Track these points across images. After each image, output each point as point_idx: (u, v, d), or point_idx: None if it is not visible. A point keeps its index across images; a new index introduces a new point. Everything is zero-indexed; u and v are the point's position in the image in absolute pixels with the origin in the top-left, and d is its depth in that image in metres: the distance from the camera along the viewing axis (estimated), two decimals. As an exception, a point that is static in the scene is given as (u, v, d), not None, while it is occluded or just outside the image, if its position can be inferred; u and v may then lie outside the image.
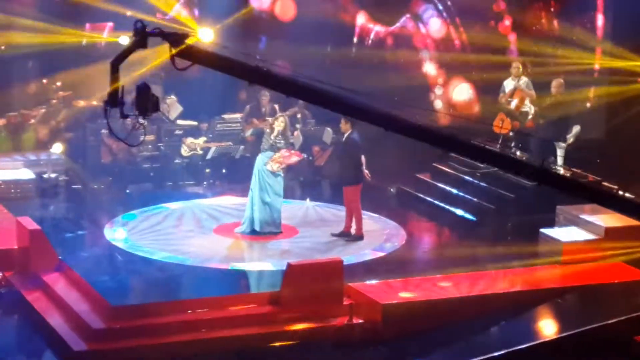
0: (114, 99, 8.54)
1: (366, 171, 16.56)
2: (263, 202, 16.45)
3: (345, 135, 16.65)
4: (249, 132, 20.12)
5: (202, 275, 14.86)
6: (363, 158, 16.55)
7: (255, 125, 20.18)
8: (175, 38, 8.30)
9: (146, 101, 8.50)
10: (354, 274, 14.43)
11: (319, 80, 8.53)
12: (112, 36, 21.79)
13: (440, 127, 8.71)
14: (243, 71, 8.40)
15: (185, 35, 8.30)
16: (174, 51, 8.42)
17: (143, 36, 8.34)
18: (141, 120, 8.70)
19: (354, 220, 16.71)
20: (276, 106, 20.17)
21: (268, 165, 16.42)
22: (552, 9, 20.43)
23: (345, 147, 16.83)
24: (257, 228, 16.49)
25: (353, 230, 16.70)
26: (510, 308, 13.76)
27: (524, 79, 18.72)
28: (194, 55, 8.36)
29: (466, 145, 8.99)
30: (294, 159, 16.84)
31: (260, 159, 16.57)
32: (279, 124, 16.51)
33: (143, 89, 8.50)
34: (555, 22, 20.36)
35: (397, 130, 8.57)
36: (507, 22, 21.03)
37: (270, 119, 17.73)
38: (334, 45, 22.35)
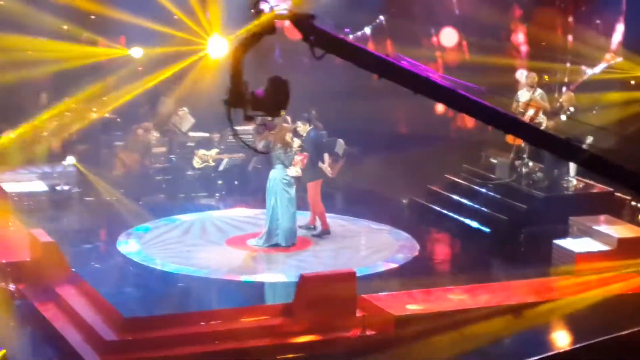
0: (238, 97, 7.23)
1: (327, 168, 17.41)
2: (289, 214, 16.47)
3: (304, 135, 17.36)
4: (261, 144, 20.09)
5: (214, 287, 14.88)
6: (326, 156, 17.68)
7: (267, 137, 20.16)
8: (306, 22, 7.12)
9: (281, 97, 7.22)
10: (366, 286, 14.41)
11: (453, 80, 7.88)
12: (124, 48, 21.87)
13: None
14: (374, 63, 7.30)
15: (312, 17, 7.10)
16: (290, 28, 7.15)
17: (270, 18, 7.15)
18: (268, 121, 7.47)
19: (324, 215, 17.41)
20: (288, 117, 20.15)
21: (291, 171, 16.49)
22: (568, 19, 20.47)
23: (304, 147, 17.42)
24: (282, 243, 16.51)
25: (319, 225, 17.34)
26: (523, 319, 13.73)
27: (539, 91, 18.69)
28: (327, 42, 7.15)
29: (525, 126, 8.49)
30: (306, 160, 17.30)
31: (276, 173, 16.57)
32: (295, 140, 16.67)
33: (279, 83, 7.22)
34: (569, 36, 20.38)
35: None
36: (521, 34, 21.05)
37: (273, 135, 17.55)
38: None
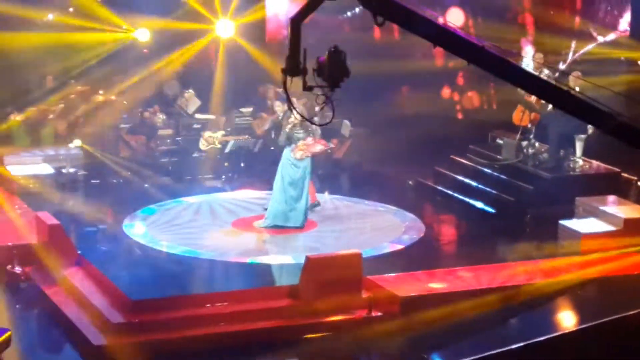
0: (295, 66, 7.04)
1: (311, 147, 17.15)
2: (282, 196, 16.43)
3: (281, 115, 17.55)
4: (265, 126, 20.05)
5: (220, 269, 14.89)
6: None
7: (265, 118, 20.17)
8: None
9: (339, 69, 7.04)
10: (372, 267, 14.41)
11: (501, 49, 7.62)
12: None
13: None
14: (434, 32, 7.12)
15: None
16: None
17: None
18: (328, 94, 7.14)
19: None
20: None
21: (293, 153, 16.42)
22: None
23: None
24: (279, 223, 16.48)
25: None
26: (529, 300, 13.73)
27: (546, 71, 18.60)
28: (389, 8, 6.96)
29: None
30: (319, 147, 16.90)
31: (284, 153, 16.55)
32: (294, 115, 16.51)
33: (336, 54, 7.02)
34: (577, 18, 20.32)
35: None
36: (528, 14, 20.99)
37: (281, 113, 17.82)
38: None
